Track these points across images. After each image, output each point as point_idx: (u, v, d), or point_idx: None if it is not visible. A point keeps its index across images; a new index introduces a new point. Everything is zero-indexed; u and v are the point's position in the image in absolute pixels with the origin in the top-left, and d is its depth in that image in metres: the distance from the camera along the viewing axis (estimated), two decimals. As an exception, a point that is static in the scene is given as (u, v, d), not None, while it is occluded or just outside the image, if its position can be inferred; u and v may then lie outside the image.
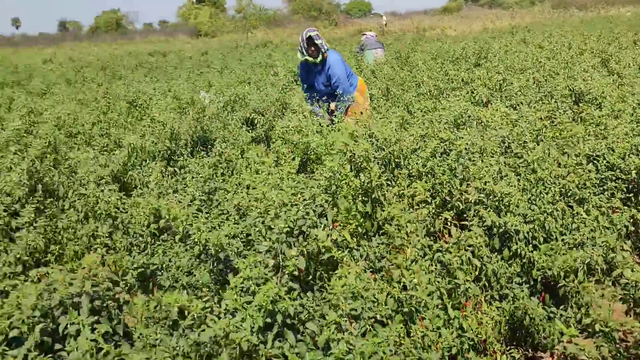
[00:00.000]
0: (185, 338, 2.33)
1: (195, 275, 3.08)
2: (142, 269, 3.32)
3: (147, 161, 5.28)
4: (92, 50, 30.76)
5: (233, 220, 3.25)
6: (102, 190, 3.97)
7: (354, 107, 5.91)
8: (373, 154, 3.59)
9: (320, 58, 5.83)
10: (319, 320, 2.07)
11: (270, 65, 14.45)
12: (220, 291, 2.65)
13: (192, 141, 5.78)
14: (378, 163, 3.78)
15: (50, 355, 2.07)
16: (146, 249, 3.59)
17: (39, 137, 6.02)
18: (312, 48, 5.80)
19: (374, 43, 11.90)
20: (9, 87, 14.20)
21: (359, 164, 3.21)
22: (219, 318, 1.95)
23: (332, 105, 5.88)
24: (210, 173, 4.72)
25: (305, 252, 2.43)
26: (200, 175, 4.57)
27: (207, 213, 3.81)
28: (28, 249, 3.11)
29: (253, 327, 1.88)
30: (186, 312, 2.96)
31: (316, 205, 2.70)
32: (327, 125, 5.08)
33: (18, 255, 2.99)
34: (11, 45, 41.93)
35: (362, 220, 3.16)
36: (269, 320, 1.93)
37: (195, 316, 1.92)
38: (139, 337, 2.39)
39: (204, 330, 2.06)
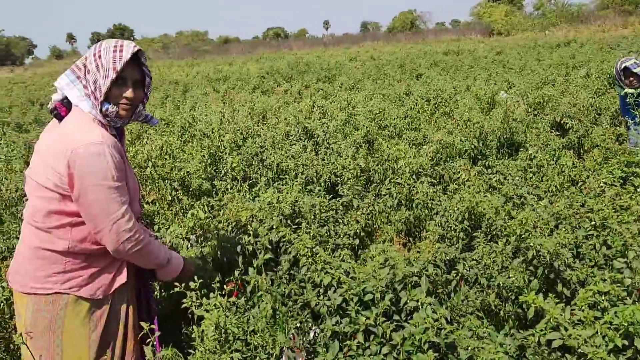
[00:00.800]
0: (512, 338, 2.36)
1: (510, 277, 3.07)
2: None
3: (454, 158, 5.43)
4: (389, 49, 32.87)
5: (564, 230, 3.12)
6: (421, 182, 4.23)
7: None
8: None
9: None
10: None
11: (576, 66, 13.39)
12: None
13: (498, 142, 5.74)
14: None
15: (391, 322, 2.32)
16: (457, 243, 3.71)
17: (355, 127, 6.73)
18: (631, 78, 5.14)
19: None
20: (322, 82, 16.12)
21: None
22: (565, 329, 1.91)
23: None
24: (520, 176, 4.63)
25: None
26: (510, 177, 4.52)
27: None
28: (363, 226, 3.53)
29: (607, 345, 1.79)
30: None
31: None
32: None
33: (357, 230, 3.41)
34: (321, 45, 47.53)
35: None
36: (625, 342, 1.81)
37: (551, 320, 1.92)
38: (462, 326, 2.50)
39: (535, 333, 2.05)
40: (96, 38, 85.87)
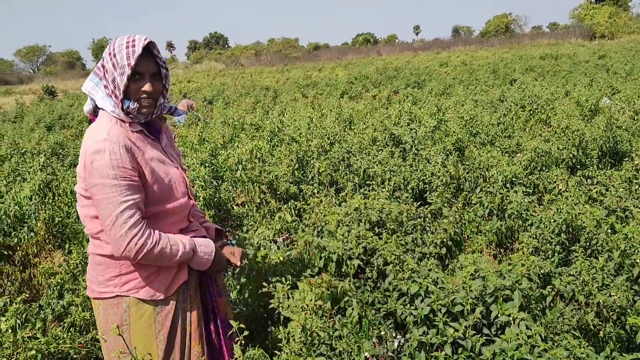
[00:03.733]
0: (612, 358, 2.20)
1: (612, 296, 2.87)
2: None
3: (550, 167, 5.17)
4: (482, 54, 31.93)
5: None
6: (515, 192, 4.06)
7: None
8: None
9: None
10: None
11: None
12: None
13: (600, 151, 5.39)
14: None
15: (481, 336, 2.23)
16: (553, 257, 3.52)
17: (445, 133, 6.58)
18: None
19: None
20: (411, 87, 15.94)
21: None
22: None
23: None
24: (625, 188, 4.32)
25: None
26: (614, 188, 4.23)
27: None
28: (451, 235, 3.43)
29: None
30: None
31: None
32: None
33: (444, 239, 3.32)
34: (411, 50, 47.07)
35: None
36: None
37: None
38: (557, 345, 2.36)
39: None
40: (193, 46, 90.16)
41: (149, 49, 1.97)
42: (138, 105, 1.97)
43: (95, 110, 2.05)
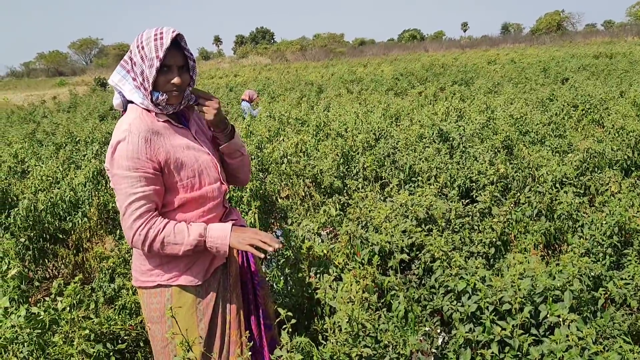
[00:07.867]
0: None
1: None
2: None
3: (603, 168, 5.02)
4: (532, 52, 31.13)
5: None
6: (565, 192, 3.96)
7: None
8: None
9: None
10: None
11: None
12: None
13: (657, 153, 5.20)
14: None
15: (529, 336, 2.20)
16: (604, 260, 3.42)
17: (494, 131, 6.47)
18: None
19: None
20: (458, 84, 15.69)
21: None
22: None
23: None
24: (683, 192, 4.15)
25: None
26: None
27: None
28: (498, 235, 3.37)
29: None
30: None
31: None
32: None
33: (493, 238, 3.28)
34: (458, 47, 46.30)
35: None
36: None
37: None
38: (609, 349, 2.30)
39: None
40: (240, 40, 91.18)
41: (177, 42, 1.98)
42: (167, 97, 1.99)
43: (125, 104, 2.07)
